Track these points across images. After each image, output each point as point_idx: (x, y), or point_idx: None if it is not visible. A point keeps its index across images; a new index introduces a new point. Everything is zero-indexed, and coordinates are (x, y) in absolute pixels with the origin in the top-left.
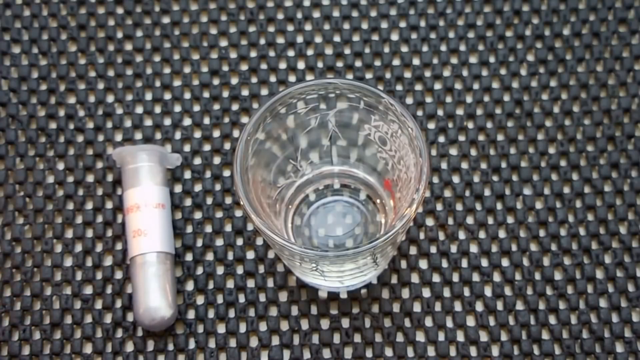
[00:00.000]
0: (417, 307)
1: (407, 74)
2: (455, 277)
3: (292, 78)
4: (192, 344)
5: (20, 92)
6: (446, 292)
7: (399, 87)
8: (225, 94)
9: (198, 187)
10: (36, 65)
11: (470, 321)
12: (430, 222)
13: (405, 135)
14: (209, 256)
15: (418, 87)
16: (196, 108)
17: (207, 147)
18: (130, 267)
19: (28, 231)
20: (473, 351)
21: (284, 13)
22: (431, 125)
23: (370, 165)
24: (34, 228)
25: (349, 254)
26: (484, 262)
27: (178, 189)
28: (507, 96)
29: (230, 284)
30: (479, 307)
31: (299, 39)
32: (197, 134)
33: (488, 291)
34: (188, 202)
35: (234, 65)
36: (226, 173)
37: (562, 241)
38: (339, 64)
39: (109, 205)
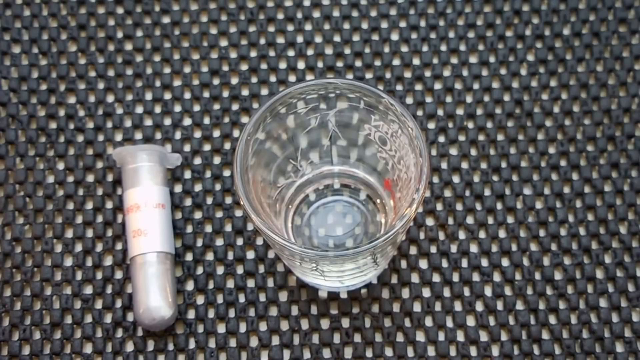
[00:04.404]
0: (417, 307)
1: (407, 74)
2: (455, 277)
3: (292, 78)
4: (192, 344)
5: (20, 92)
6: (446, 292)
7: (399, 87)
8: (225, 94)
9: (198, 187)
10: (36, 65)
11: (470, 321)
12: (430, 222)
13: (405, 135)
14: (209, 256)
15: (418, 87)
16: (196, 108)
17: (207, 147)
18: (130, 267)
19: (28, 231)
20: (473, 351)
21: (284, 13)
22: (431, 125)
23: (370, 165)
24: (34, 228)
25: (349, 254)
26: (484, 262)
27: (178, 189)
28: (507, 96)
29: (230, 284)
30: (479, 307)
31: (299, 39)
32: (197, 134)
33: (488, 291)
34: (188, 202)
35: (234, 65)
36: (226, 173)
37: (562, 241)
38: (339, 64)
39: (109, 205)
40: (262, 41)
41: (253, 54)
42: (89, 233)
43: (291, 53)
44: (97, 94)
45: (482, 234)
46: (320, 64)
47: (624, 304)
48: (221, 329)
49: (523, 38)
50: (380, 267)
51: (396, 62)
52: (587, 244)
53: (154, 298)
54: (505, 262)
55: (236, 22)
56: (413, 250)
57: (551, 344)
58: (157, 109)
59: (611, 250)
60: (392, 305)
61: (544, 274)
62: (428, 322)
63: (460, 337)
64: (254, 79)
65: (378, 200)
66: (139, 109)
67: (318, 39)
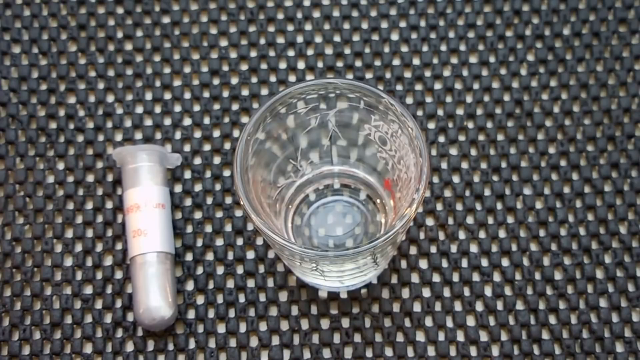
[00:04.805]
0: (417, 307)
1: (407, 74)
2: (455, 277)
3: (292, 78)
4: (192, 344)
5: (20, 92)
6: (446, 292)
7: (399, 87)
8: (225, 94)
9: (198, 187)
10: (36, 65)
11: (470, 321)
12: (430, 222)
13: (405, 135)
14: (209, 256)
15: (418, 87)
16: (196, 108)
17: (207, 147)
18: (130, 267)
19: (28, 231)
20: (473, 351)
21: (284, 13)
22: (431, 125)
23: (370, 165)
24: (34, 228)
25: (349, 254)
26: (484, 262)
27: (178, 189)
28: (507, 96)
29: (230, 284)
30: (479, 307)
31: (299, 39)
32: (197, 134)
33: (488, 291)
34: (188, 202)
35: (234, 65)
36: (226, 173)
37: (562, 241)
38: (339, 64)
39: (109, 205)
40: (262, 41)
41: (253, 54)
42: (89, 233)
43: (291, 53)
44: (97, 94)
45: (482, 234)
46: (320, 64)
47: (624, 304)
48: (221, 329)
49: (523, 38)
50: (380, 267)
51: (396, 62)
52: (587, 244)
53: (154, 298)
54: (505, 262)
55: (236, 22)
56: (413, 250)
57: (551, 344)
58: (157, 109)
59: (611, 250)
60: (392, 305)
61: (544, 274)
62: (428, 322)
63: (460, 337)
64: (254, 79)
65: (378, 200)
66: (139, 109)
67: (318, 39)
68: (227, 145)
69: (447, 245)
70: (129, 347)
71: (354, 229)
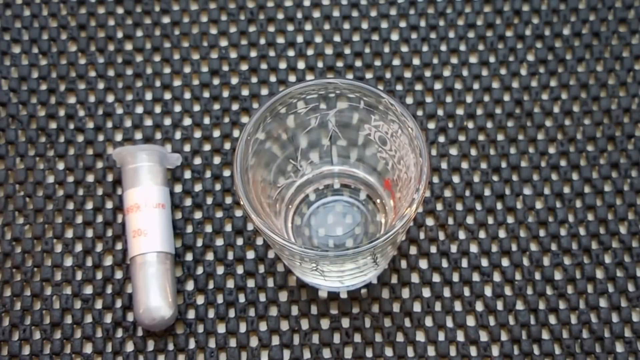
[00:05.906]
0: (417, 307)
1: (407, 74)
2: (455, 277)
3: (292, 78)
4: (192, 344)
5: (20, 92)
6: (446, 292)
7: (399, 87)
8: (225, 94)
9: (198, 187)
10: (36, 65)
11: (470, 321)
12: (430, 222)
13: (405, 135)
14: (209, 256)
15: (418, 87)
16: (196, 108)
17: (207, 147)
18: (130, 267)
19: (28, 231)
20: (473, 351)
21: (284, 13)
22: (431, 125)
23: (370, 165)
24: (34, 228)
25: (349, 254)
26: (484, 262)
27: (178, 189)
28: (507, 96)
29: (230, 284)
30: (479, 307)
31: (299, 39)
32: (197, 134)
33: (488, 291)
34: (188, 202)
35: (234, 65)
36: (226, 173)
37: (562, 241)
38: (339, 64)
39: (109, 205)
40: (262, 41)
41: (253, 54)
42: (89, 233)
43: (291, 53)
44: (97, 94)
45: (482, 234)
46: (320, 64)
47: (624, 304)
48: (221, 329)
49: (523, 38)
50: (380, 267)
51: (396, 62)
52: (587, 244)
53: (154, 298)
54: (505, 262)
55: (236, 22)
56: (413, 250)
57: (551, 344)
58: (157, 109)
59: (611, 250)
60: (392, 305)
61: (544, 274)
62: (428, 322)
63: (460, 337)
64: (254, 79)
65: (378, 200)
66: (139, 109)
67: (318, 39)
68: (227, 145)
69: (447, 245)
70: (129, 347)
71: (354, 229)
